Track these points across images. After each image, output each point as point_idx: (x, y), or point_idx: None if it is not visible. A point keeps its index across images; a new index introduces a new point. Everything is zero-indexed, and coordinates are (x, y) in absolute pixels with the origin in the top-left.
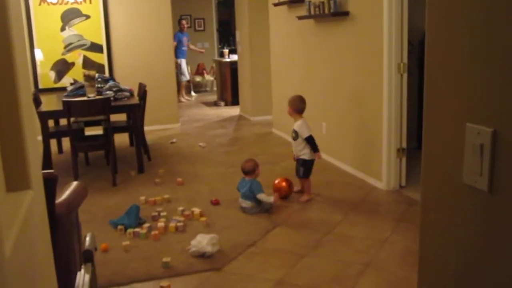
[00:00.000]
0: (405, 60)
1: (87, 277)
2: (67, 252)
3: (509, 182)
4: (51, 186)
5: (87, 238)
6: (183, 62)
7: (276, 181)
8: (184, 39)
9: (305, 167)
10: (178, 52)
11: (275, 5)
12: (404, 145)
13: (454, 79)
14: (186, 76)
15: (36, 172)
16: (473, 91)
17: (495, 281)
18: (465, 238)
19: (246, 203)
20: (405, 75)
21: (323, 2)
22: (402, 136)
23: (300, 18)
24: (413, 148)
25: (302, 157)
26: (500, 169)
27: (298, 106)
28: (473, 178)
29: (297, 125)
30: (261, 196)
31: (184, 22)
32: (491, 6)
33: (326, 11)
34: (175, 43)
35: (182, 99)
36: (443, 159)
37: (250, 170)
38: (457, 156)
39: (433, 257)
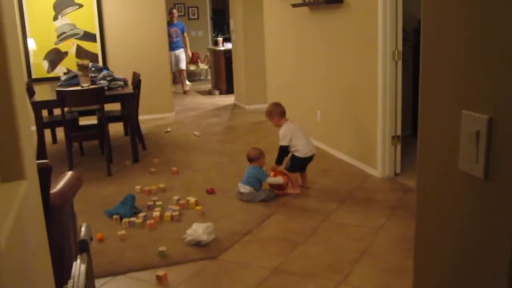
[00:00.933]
0: (400, 47)
1: (83, 267)
2: (63, 242)
3: (504, 169)
4: (45, 176)
5: (83, 228)
6: (172, 55)
7: (272, 174)
8: (172, 31)
9: (292, 162)
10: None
11: None
12: (399, 132)
13: (449, 66)
14: (177, 65)
15: (30, 162)
16: (469, 78)
17: (491, 268)
18: (461, 225)
19: (245, 188)
20: (400, 63)
21: None
22: (397, 124)
23: (294, 5)
24: (408, 135)
25: (294, 153)
26: (496, 156)
27: (277, 113)
28: (469, 165)
29: (281, 129)
30: (270, 180)
31: (174, 11)
32: None
33: None
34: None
35: (187, 88)
36: (439, 146)
37: (254, 157)
38: (453, 143)
39: (428, 244)
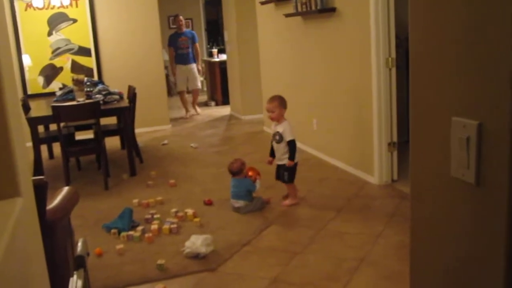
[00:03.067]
0: (393, 54)
1: (79, 282)
2: (60, 258)
3: (495, 175)
4: (41, 192)
5: (79, 244)
6: (178, 69)
7: (250, 173)
8: (181, 41)
9: (289, 172)
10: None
11: (262, 3)
12: (395, 139)
13: (439, 73)
14: (181, 85)
15: (25, 179)
16: (459, 84)
17: (486, 273)
18: (455, 230)
19: (239, 203)
20: (394, 70)
21: None
22: (392, 130)
23: (287, 15)
24: (404, 141)
25: (284, 161)
26: (486, 161)
27: (285, 105)
28: (460, 171)
29: (282, 126)
30: (258, 186)
31: (180, 18)
32: None
33: (313, 7)
34: (172, 49)
35: (193, 112)
36: (430, 153)
37: (238, 171)
38: (444, 149)
39: (424, 250)
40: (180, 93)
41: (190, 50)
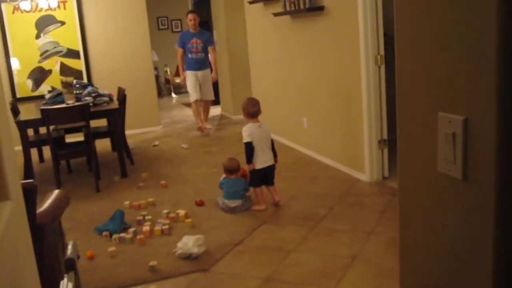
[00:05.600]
0: (382, 52)
1: (70, 285)
2: (51, 261)
3: (482, 169)
4: (31, 196)
5: (69, 247)
6: (189, 75)
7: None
8: (192, 44)
9: (250, 175)
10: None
11: (251, 3)
12: (385, 136)
13: (424, 68)
14: (193, 94)
15: (14, 182)
16: (444, 79)
17: (474, 268)
18: (443, 226)
19: (236, 202)
20: (383, 67)
21: None
22: (382, 128)
23: (276, 14)
24: (395, 139)
25: (272, 162)
26: (473, 156)
27: (247, 110)
28: (447, 167)
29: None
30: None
31: (193, 16)
32: None
33: (302, 6)
34: (180, 50)
35: (204, 128)
36: (418, 149)
37: (236, 168)
38: (431, 145)
39: (413, 246)
40: (192, 104)
41: (203, 54)
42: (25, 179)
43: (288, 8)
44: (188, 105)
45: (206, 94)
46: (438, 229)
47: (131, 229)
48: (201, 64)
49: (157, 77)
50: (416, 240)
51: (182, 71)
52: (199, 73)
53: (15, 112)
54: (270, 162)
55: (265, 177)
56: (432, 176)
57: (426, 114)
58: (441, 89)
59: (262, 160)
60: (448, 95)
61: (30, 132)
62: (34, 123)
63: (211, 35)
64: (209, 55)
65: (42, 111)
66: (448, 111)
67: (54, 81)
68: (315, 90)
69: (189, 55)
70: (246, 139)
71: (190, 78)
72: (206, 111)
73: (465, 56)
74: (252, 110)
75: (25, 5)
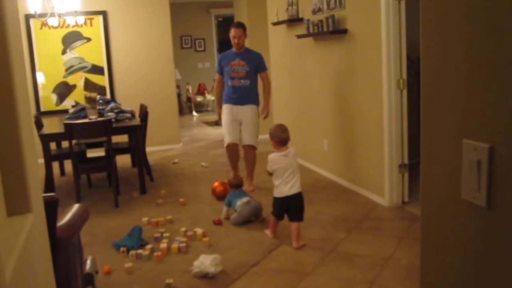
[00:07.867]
0: (404, 76)
1: None
2: (69, 276)
3: (507, 198)
4: (52, 209)
5: (88, 262)
6: (224, 109)
7: (221, 189)
8: (234, 68)
9: (272, 202)
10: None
11: (274, 24)
12: (406, 160)
13: (450, 94)
14: (226, 136)
15: (36, 195)
16: (469, 106)
17: None
18: (465, 254)
19: (248, 198)
20: (405, 91)
21: (321, 21)
22: (403, 152)
23: (299, 36)
24: (415, 163)
25: (298, 190)
26: (498, 185)
27: (273, 135)
28: (471, 194)
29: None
30: None
31: (238, 31)
32: (486, 20)
33: (325, 29)
34: (219, 76)
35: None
36: (441, 176)
37: (240, 184)
38: (455, 172)
39: (434, 274)
40: (226, 148)
41: (248, 81)
42: (46, 192)
43: (311, 31)
44: (208, 123)
45: (245, 136)
46: (460, 257)
47: (149, 246)
48: (243, 95)
49: (178, 95)
50: (438, 268)
51: (217, 105)
52: (239, 108)
53: (39, 125)
54: (295, 189)
55: (288, 207)
56: (455, 203)
57: (450, 140)
58: (467, 116)
59: (283, 190)
60: (473, 122)
61: (53, 145)
62: (57, 137)
63: (262, 57)
64: (263, 84)
65: (65, 125)
66: (474, 138)
67: (78, 96)
68: (336, 112)
69: (228, 82)
70: (270, 167)
71: (226, 113)
72: (250, 163)
73: (490, 81)
74: (283, 136)
75: (53, 21)
